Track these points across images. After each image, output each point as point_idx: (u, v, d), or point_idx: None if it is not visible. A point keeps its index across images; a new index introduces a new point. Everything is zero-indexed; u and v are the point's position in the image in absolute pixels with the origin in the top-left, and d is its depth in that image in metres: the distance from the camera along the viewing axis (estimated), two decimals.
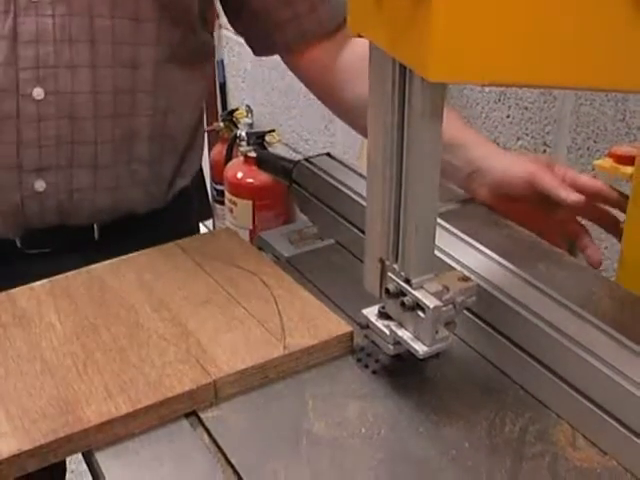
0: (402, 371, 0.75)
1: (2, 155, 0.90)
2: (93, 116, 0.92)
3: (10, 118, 0.89)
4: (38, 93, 0.88)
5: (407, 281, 0.67)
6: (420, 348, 0.67)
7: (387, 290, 0.69)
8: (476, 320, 0.76)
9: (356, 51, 1.00)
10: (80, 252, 0.95)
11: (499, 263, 0.79)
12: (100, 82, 0.91)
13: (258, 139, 2.18)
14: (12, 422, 0.66)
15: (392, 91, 0.63)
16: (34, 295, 0.83)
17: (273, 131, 2.19)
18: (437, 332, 0.67)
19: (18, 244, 0.98)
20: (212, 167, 2.56)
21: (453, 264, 0.78)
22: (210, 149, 2.64)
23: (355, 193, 0.93)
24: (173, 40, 0.96)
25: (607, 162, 1.00)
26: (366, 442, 0.67)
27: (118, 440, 0.67)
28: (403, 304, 0.67)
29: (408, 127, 0.62)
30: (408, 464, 0.65)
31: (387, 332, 0.70)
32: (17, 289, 0.84)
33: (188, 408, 0.70)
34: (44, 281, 0.85)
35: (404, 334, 0.68)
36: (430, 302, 0.65)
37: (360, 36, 0.65)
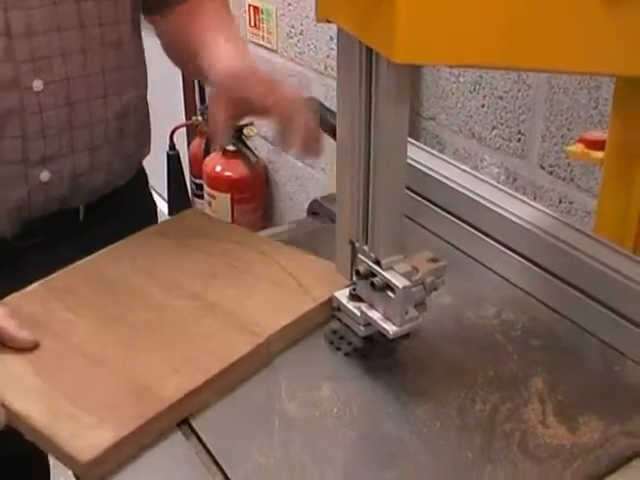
0: (374, 353, 0.75)
1: (8, 150, 0.89)
2: (86, 99, 0.93)
3: (14, 112, 0.88)
4: (37, 85, 0.88)
5: (377, 262, 0.68)
6: (390, 328, 0.68)
7: (357, 272, 0.69)
8: None
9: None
10: (68, 236, 0.96)
11: None
12: (90, 65, 0.92)
13: (236, 132, 2.17)
14: (94, 414, 0.65)
15: (359, 74, 0.64)
16: (34, 299, 0.80)
17: (251, 124, 2.19)
18: (407, 312, 0.67)
19: (8, 238, 0.95)
20: (191, 161, 2.55)
21: None
22: (189, 143, 2.64)
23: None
24: (138, 16, 1.01)
25: (578, 148, 1.02)
26: (338, 422, 0.68)
27: None
28: (373, 285, 0.67)
29: (375, 109, 0.63)
30: (379, 443, 0.66)
31: (358, 313, 0.71)
32: (11, 297, 0.80)
33: (249, 370, 0.72)
34: (35, 285, 0.83)
35: (374, 315, 0.69)
36: (399, 282, 0.66)
37: (329, 21, 0.66)
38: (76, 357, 0.72)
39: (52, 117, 0.90)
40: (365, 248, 0.69)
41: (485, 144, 1.52)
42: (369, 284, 0.68)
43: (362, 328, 0.71)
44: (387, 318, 0.68)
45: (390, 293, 0.67)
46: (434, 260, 0.70)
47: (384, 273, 0.67)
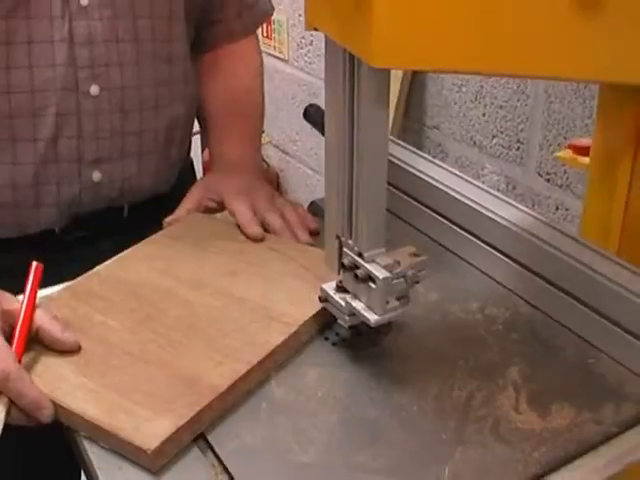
0: (360, 344, 0.79)
1: (65, 149, 0.96)
2: (139, 108, 1.00)
3: (72, 114, 0.95)
4: (94, 90, 0.95)
5: (360, 255, 0.72)
6: (371, 317, 0.72)
7: (342, 264, 0.74)
8: None
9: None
10: (111, 233, 1.02)
11: None
12: (143, 76, 0.99)
13: None
14: (148, 407, 0.67)
15: (343, 78, 0.68)
16: (62, 304, 0.82)
17: (262, 132, 2.24)
18: (387, 302, 0.72)
19: (57, 231, 1.01)
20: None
21: None
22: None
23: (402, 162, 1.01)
24: (191, 36, 1.08)
25: (567, 153, 1.06)
26: (321, 405, 0.72)
27: None
28: (356, 276, 0.72)
29: (357, 111, 0.67)
30: (360, 425, 0.70)
31: (343, 304, 0.75)
32: (37, 301, 0.78)
33: (283, 358, 0.76)
34: (58, 289, 0.85)
35: (357, 305, 0.73)
36: (380, 273, 0.70)
37: (316, 29, 0.70)
38: (119, 356, 0.74)
39: (106, 121, 0.97)
40: (350, 242, 0.73)
41: (486, 152, 1.56)
42: (353, 276, 0.72)
43: (347, 318, 0.75)
44: (369, 308, 0.72)
45: (372, 284, 0.71)
46: (416, 255, 0.74)
47: (366, 265, 0.71)
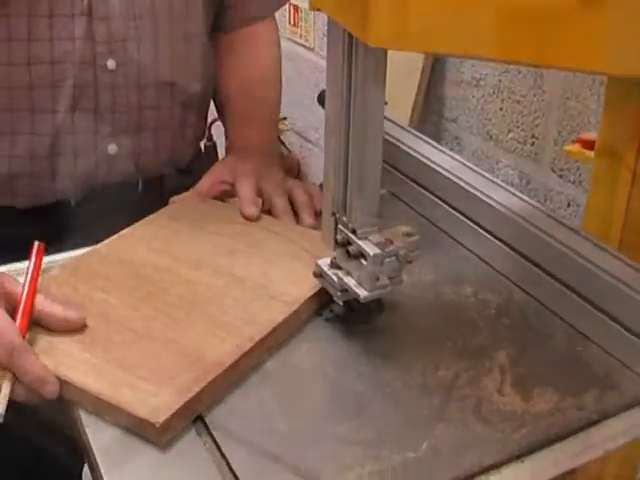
0: (352, 320, 0.81)
1: (82, 121, 0.98)
2: (155, 84, 1.02)
3: (89, 87, 0.97)
4: (111, 64, 0.97)
5: (353, 231, 0.74)
6: (361, 292, 0.73)
7: (336, 240, 0.75)
8: None
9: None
10: (126, 207, 1.02)
11: None
12: (160, 54, 1.01)
13: None
14: (154, 382, 0.67)
15: (342, 59, 0.69)
16: (61, 282, 0.82)
17: (284, 119, 2.25)
18: (378, 279, 0.73)
19: (72, 203, 1.02)
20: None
21: None
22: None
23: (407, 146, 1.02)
24: (210, 17, 1.09)
25: (575, 147, 1.07)
26: (309, 377, 0.74)
27: None
28: (348, 252, 0.73)
29: (354, 91, 0.69)
30: (345, 398, 0.72)
31: (335, 279, 0.76)
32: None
33: (284, 337, 0.77)
34: (56, 269, 0.84)
35: (349, 281, 0.75)
36: (371, 250, 0.72)
37: (319, 9, 0.72)
38: (122, 333, 0.74)
39: (122, 95, 0.99)
40: (344, 219, 0.75)
41: (501, 147, 1.57)
42: (345, 252, 0.74)
43: (339, 294, 0.77)
44: (360, 284, 0.74)
45: (363, 260, 0.73)
46: (409, 234, 0.76)
47: (359, 242, 0.73)
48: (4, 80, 0.93)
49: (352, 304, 0.79)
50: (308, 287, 0.81)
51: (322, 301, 0.82)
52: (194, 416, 0.68)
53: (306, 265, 0.83)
